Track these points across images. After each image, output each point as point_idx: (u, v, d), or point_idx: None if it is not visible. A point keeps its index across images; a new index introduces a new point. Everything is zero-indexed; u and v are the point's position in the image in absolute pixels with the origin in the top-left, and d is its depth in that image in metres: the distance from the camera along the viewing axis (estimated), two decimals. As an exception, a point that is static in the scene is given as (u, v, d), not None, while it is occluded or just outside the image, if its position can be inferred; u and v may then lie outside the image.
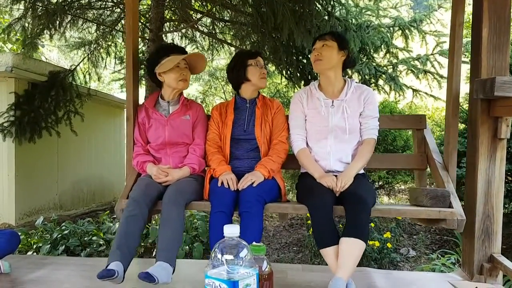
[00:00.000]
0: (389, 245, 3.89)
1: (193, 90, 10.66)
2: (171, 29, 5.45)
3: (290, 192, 5.77)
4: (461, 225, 2.20)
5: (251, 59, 2.57)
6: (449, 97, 2.58)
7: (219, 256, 1.22)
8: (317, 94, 2.44)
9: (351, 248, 1.95)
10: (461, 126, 4.81)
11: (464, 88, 3.05)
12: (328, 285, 1.89)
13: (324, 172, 2.31)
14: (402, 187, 7.41)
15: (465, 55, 5.28)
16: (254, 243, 1.42)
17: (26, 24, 4.85)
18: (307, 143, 2.47)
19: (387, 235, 4.00)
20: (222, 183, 2.32)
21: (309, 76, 4.84)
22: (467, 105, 2.57)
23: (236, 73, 2.59)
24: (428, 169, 2.74)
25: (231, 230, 1.25)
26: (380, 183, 5.83)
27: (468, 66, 2.59)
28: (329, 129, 2.38)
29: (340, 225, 4.40)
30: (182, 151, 2.59)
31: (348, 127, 2.36)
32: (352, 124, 2.38)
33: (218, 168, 2.43)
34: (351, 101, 2.39)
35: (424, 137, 2.74)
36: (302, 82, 4.89)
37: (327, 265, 2.12)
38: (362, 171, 2.43)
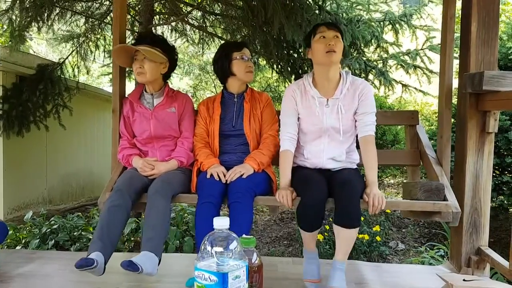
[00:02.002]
0: (378, 238, 3.92)
1: (183, 84, 10.61)
2: (161, 22, 5.41)
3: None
4: (456, 218, 2.17)
5: (236, 52, 2.46)
6: (442, 90, 2.56)
7: (208, 248, 1.22)
8: (311, 92, 2.27)
9: (347, 237, 2.01)
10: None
11: (453, 83, 3.08)
12: (332, 264, 2.04)
13: (287, 186, 2.22)
14: (392, 181, 7.47)
15: (455, 50, 5.31)
16: (244, 235, 1.42)
17: (14, 17, 4.77)
18: (299, 141, 2.37)
19: (376, 228, 4.03)
20: (211, 175, 2.26)
21: (300, 71, 4.83)
22: (456, 99, 2.59)
23: (220, 67, 2.50)
24: (421, 165, 2.72)
25: (221, 222, 1.25)
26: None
27: (457, 61, 2.60)
28: (323, 130, 2.27)
29: (330, 219, 4.41)
30: (169, 144, 2.53)
31: (342, 128, 2.25)
32: (346, 125, 2.27)
33: (206, 162, 2.38)
34: (346, 99, 2.25)
35: (416, 133, 2.71)
36: (293, 76, 4.88)
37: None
38: (354, 166, 2.38)
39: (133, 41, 2.81)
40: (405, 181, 2.63)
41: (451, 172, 2.54)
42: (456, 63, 2.69)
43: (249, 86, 2.61)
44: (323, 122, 2.26)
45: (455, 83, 2.76)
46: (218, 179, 2.24)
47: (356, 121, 2.27)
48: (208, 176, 2.26)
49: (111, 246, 2.00)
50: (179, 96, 2.59)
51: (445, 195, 2.24)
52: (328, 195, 2.12)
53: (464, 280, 1.93)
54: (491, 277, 2.57)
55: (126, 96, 2.68)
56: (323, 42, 2.19)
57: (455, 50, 5.16)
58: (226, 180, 2.25)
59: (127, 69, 2.92)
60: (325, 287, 2.09)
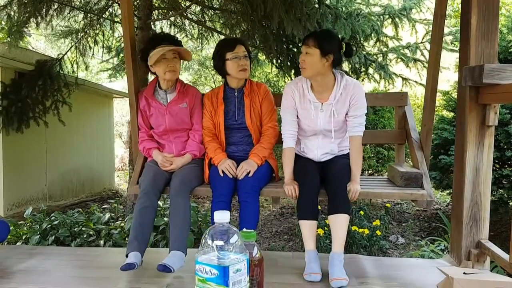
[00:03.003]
0: (378, 232, 3.93)
1: (183, 79, 10.59)
2: (160, 17, 5.39)
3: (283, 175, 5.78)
4: (430, 205, 2.42)
5: (229, 52, 2.55)
6: (428, 83, 2.75)
7: (209, 242, 1.22)
8: (309, 96, 2.43)
9: (339, 224, 2.23)
10: (450, 114, 4.86)
11: (453, 77, 3.11)
12: (329, 257, 2.21)
13: (291, 180, 2.45)
14: (392, 175, 7.47)
15: (454, 44, 5.31)
16: (244, 229, 1.42)
17: (12, 12, 4.75)
18: (298, 135, 2.56)
19: (377, 222, 4.03)
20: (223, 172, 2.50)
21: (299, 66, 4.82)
22: (456, 93, 2.60)
23: (216, 66, 2.65)
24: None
25: (221, 216, 1.25)
26: (369, 171, 5.88)
27: (458, 54, 2.61)
28: (317, 131, 2.48)
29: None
30: (183, 136, 2.75)
31: (334, 129, 2.45)
32: (338, 126, 2.47)
33: (215, 157, 2.58)
34: (339, 104, 2.41)
35: (404, 114, 2.91)
36: (293, 71, 4.87)
37: (317, 252, 2.23)
38: (346, 152, 2.56)
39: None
40: (390, 164, 2.83)
41: (452, 166, 2.56)
42: (456, 56, 2.70)
43: (248, 79, 2.70)
44: (317, 124, 2.45)
45: (454, 77, 2.78)
46: (230, 176, 2.48)
47: (347, 120, 2.46)
48: (220, 173, 2.50)
49: (145, 243, 2.34)
50: (190, 91, 2.77)
51: (422, 182, 2.48)
52: (322, 181, 2.40)
53: (464, 273, 1.93)
54: (491, 270, 2.57)
55: (140, 90, 2.84)
56: (300, 57, 2.39)
57: (454, 44, 5.16)
58: (236, 176, 2.49)
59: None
60: (326, 281, 2.14)
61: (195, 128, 2.73)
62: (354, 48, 2.51)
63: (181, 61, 2.77)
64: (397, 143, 2.98)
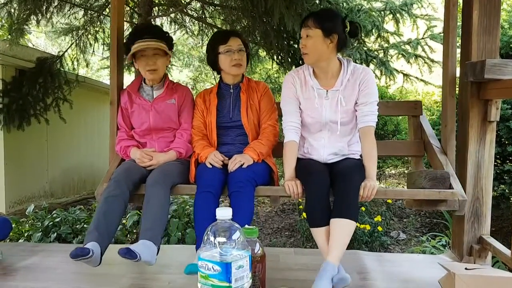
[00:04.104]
0: (379, 228, 3.93)
1: (183, 76, 10.57)
2: (160, 14, 5.38)
3: (282, 178, 5.78)
4: (463, 206, 2.12)
5: (222, 45, 2.36)
6: (445, 78, 2.52)
7: (211, 238, 1.22)
8: (311, 82, 2.18)
9: (341, 230, 1.91)
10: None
11: (456, 71, 3.05)
12: (321, 266, 1.89)
13: (292, 177, 2.18)
14: (393, 171, 7.48)
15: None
16: (246, 226, 1.42)
17: (12, 10, 4.75)
18: (301, 132, 2.29)
19: (378, 218, 4.04)
20: (211, 165, 2.24)
21: (300, 62, 4.81)
22: (458, 88, 2.57)
23: (209, 60, 2.47)
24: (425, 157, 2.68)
25: (224, 213, 1.25)
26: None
27: (459, 49, 2.58)
28: (322, 124, 2.20)
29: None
30: (168, 136, 2.48)
31: (341, 121, 2.16)
32: (347, 118, 2.19)
33: (203, 152, 2.34)
34: (347, 90, 2.15)
35: (420, 124, 2.68)
36: (293, 67, 4.86)
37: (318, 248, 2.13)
38: (357, 157, 2.27)
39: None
40: (408, 171, 2.59)
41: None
42: (457, 52, 2.65)
43: (246, 76, 2.53)
44: (321, 115, 2.18)
45: (456, 72, 2.73)
46: (220, 166, 2.23)
47: (356, 110, 2.18)
48: (208, 165, 2.24)
49: (108, 237, 1.96)
50: (179, 88, 2.55)
51: (450, 183, 2.19)
52: (331, 184, 2.07)
53: (466, 268, 1.94)
54: (493, 266, 2.57)
55: (125, 87, 2.63)
56: (300, 42, 2.12)
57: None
58: (226, 166, 2.23)
59: (126, 62, 2.89)
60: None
61: (183, 127, 2.47)
62: (358, 27, 2.20)
63: (175, 57, 2.62)
64: (415, 156, 2.66)
